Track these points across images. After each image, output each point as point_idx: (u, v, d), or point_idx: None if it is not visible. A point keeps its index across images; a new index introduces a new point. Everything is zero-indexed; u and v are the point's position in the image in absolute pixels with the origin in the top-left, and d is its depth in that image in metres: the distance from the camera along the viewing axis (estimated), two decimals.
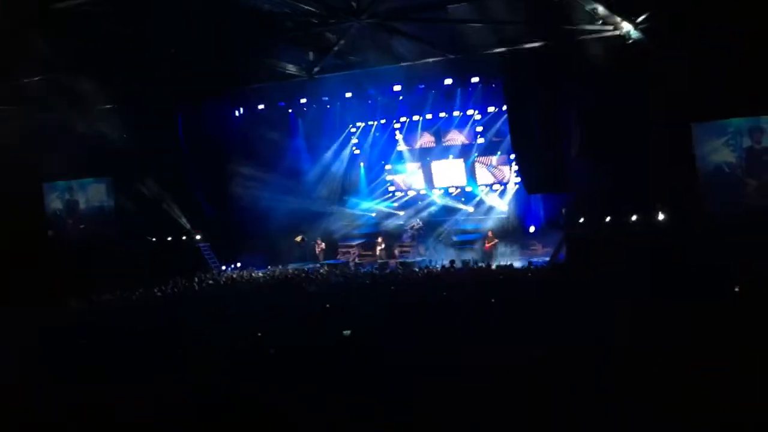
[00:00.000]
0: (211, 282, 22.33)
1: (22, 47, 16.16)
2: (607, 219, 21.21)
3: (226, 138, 26.64)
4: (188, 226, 27.09)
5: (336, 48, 18.31)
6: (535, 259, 22.46)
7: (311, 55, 19.92)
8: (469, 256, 24.44)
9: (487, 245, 24.64)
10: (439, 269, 21.55)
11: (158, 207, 26.39)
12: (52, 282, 21.40)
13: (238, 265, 26.90)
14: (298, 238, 27.95)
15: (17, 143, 22.91)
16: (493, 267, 20.80)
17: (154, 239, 27.20)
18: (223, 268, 26.54)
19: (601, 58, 18.24)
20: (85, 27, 15.39)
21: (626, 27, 16.01)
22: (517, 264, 21.57)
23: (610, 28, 16.15)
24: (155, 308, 17.76)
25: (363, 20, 15.50)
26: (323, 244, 27.86)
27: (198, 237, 27.25)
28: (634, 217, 20.79)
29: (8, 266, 22.24)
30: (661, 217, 20.39)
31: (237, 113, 27.32)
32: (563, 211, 23.01)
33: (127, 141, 24.47)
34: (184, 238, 27.33)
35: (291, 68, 20.17)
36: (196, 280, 22.73)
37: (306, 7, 15.21)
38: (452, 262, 22.07)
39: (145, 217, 26.61)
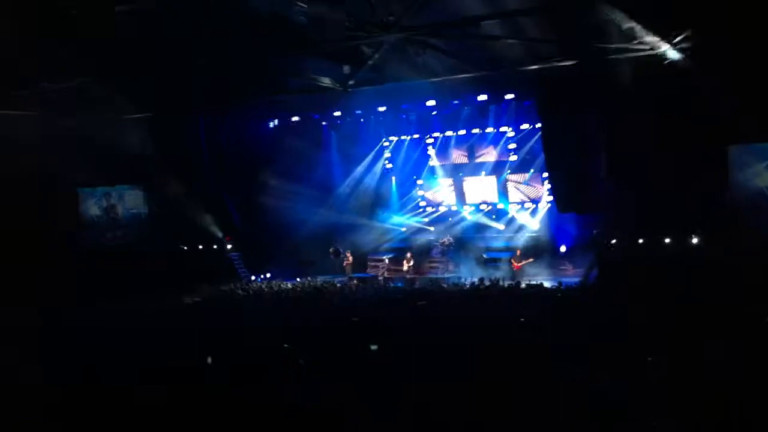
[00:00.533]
0: (240, 292, 22.42)
1: (54, 51, 16.37)
2: (640, 240, 21.00)
3: (260, 148, 26.81)
4: (219, 235, 27.30)
5: (371, 62, 18.31)
6: (565, 279, 22.22)
7: (346, 69, 19.92)
8: (499, 273, 24.24)
9: (515, 264, 24.45)
10: (468, 286, 21.46)
11: (191, 215, 26.59)
12: (87, 285, 21.69)
13: (268, 275, 27.00)
14: (332, 250, 27.92)
15: (52, 148, 23.26)
16: (523, 285, 20.61)
17: (185, 247, 27.43)
18: (252, 278, 26.65)
19: (637, 78, 18.09)
20: (120, 34, 15.54)
21: (663, 47, 15.80)
22: (547, 284, 21.36)
23: (647, 47, 15.95)
24: (184, 315, 17.91)
25: (398, 35, 15.48)
26: (351, 257, 27.84)
27: (229, 246, 27.45)
28: (667, 240, 20.55)
29: (43, 269, 22.55)
30: (695, 240, 20.14)
31: (271, 124, 27.51)
32: (595, 231, 22.81)
33: (162, 148, 24.73)
34: (215, 247, 27.54)
35: (325, 81, 20.22)
36: (225, 289, 22.88)
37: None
38: (481, 279, 21.92)
39: (178, 224, 26.86)
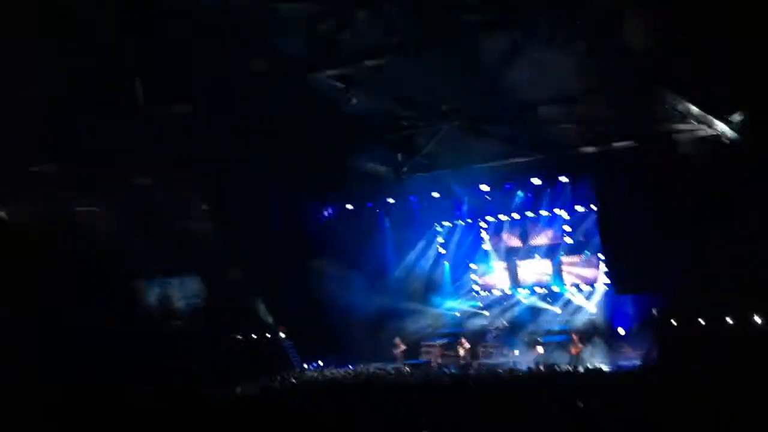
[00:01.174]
0: (293, 381, 22.35)
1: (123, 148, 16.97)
2: (701, 321, 20.59)
3: (315, 236, 27.08)
4: (272, 322, 27.36)
5: (425, 150, 18.58)
6: (624, 362, 21.73)
7: (400, 156, 20.25)
8: (556, 358, 23.78)
9: (573, 350, 23.97)
10: (523, 372, 21.10)
11: (245, 304, 26.78)
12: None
13: (320, 363, 26.86)
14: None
15: (113, 241, 23.79)
16: (581, 370, 20.18)
17: (240, 336, 27.51)
18: (305, 366, 26.53)
19: (694, 157, 18.07)
20: (183, 129, 16.06)
21: (721, 126, 15.81)
22: (605, 367, 20.90)
23: (704, 126, 15.98)
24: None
25: (453, 123, 15.74)
26: (402, 344, 27.52)
27: (282, 335, 27.46)
28: (729, 320, 20.12)
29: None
30: (758, 320, 19.68)
31: (326, 213, 27.88)
32: (654, 311, 22.43)
33: (218, 237, 25.12)
34: (268, 335, 27.56)
35: (380, 169, 20.55)
36: (278, 379, 22.80)
37: (400, 111, 15.58)
38: (538, 365, 21.58)
39: (233, 313, 27.02)
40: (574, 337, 24.37)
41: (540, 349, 25.49)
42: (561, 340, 25.27)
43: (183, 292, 28.32)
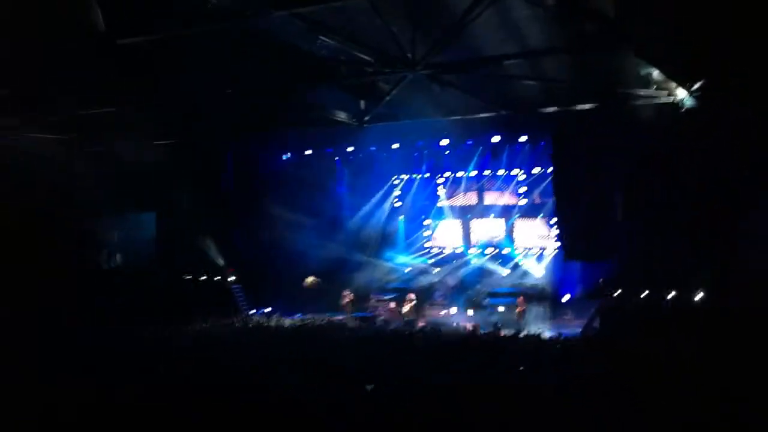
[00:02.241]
0: (237, 325, 22.26)
1: (79, 78, 16.52)
2: (644, 294, 20.85)
3: (271, 180, 26.86)
4: (223, 266, 27.19)
5: (388, 97, 18.37)
6: (566, 330, 22.01)
7: (362, 104, 20.00)
8: (499, 319, 23.97)
9: (519, 309, 24.20)
10: (465, 332, 21.32)
11: (197, 244, 26.56)
12: (88, 308, 21.61)
13: (269, 309, 26.80)
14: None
15: (68, 173, 23.42)
16: (521, 335, 20.39)
17: (189, 276, 27.32)
18: (253, 311, 26.45)
19: (653, 124, 18.16)
20: (144, 63, 15.66)
21: (681, 94, 15.87)
22: (547, 334, 21.16)
23: (665, 93, 16.03)
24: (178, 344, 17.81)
25: (418, 71, 15.54)
26: (352, 295, 27.59)
27: (232, 278, 27.31)
28: (671, 294, 20.40)
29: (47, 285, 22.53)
30: (699, 296, 19.99)
31: (284, 157, 27.60)
32: (601, 281, 22.66)
33: (175, 176, 24.78)
34: (217, 278, 27.40)
35: (341, 115, 20.28)
36: (224, 322, 22.71)
37: (362, 56, 15.33)
38: (476, 326, 21.78)
39: (184, 252, 26.81)
40: (520, 299, 24.60)
41: (485, 310, 25.82)
42: (507, 302, 25.49)
43: (133, 227, 28.09)
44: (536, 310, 24.89)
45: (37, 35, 14.10)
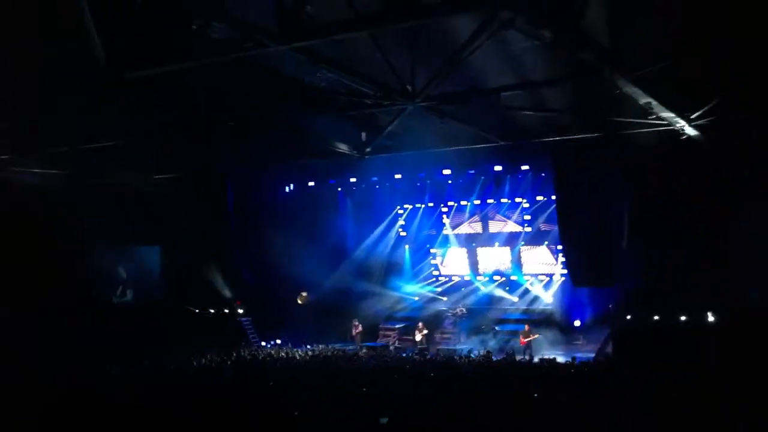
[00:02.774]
0: (248, 357, 22.23)
1: (80, 112, 16.65)
2: (656, 317, 20.80)
3: (275, 212, 26.97)
4: (230, 298, 27.21)
5: (388, 129, 18.46)
6: (579, 355, 21.93)
7: (363, 135, 20.10)
8: (509, 346, 23.94)
9: (522, 340, 24.08)
10: (478, 359, 21.28)
11: (204, 276, 26.60)
12: (95, 343, 21.61)
13: (278, 341, 26.79)
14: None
15: (69, 207, 23.55)
16: (535, 360, 20.34)
17: (197, 310, 27.35)
18: (263, 343, 26.43)
19: (654, 152, 18.21)
20: (146, 96, 15.75)
21: (680, 123, 15.89)
22: (560, 359, 21.12)
23: (664, 122, 16.05)
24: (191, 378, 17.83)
25: (417, 103, 15.61)
26: (360, 325, 27.53)
27: (240, 311, 27.33)
28: (683, 317, 20.34)
29: (52, 325, 22.54)
30: (711, 318, 19.92)
31: (287, 188, 27.73)
32: (611, 306, 22.60)
33: (179, 209, 24.88)
34: (226, 310, 27.42)
35: (342, 147, 20.37)
36: (234, 354, 22.68)
37: (362, 88, 15.40)
38: (488, 352, 21.72)
39: (191, 285, 26.85)
40: (527, 328, 24.50)
41: (495, 337, 25.76)
42: (516, 329, 25.41)
43: (138, 261, 28.15)
44: (548, 335, 24.81)
45: (37, 69, 14.21)
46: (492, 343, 24.98)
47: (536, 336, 24.14)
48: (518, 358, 21.66)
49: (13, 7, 12.06)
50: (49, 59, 13.79)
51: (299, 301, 27.74)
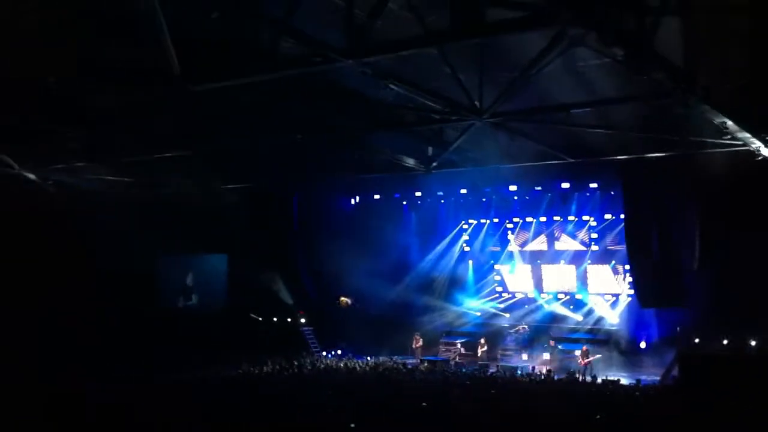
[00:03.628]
0: (309, 367, 22.41)
1: (151, 125, 17.08)
2: (724, 341, 20.27)
3: (339, 224, 27.19)
4: (293, 307, 27.53)
5: (455, 144, 18.45)
6: (644, 377, 21.47)
7: (430, 150, 20.12)
8: (574, 366, 23.58)
9: (582, 360, 23.66)
10: (541, 377, 21.06)
11: (268, 286, 26.99)
12: (162, 352, 22.11)
13: (339, 351, 26.94)
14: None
15: (139, 215, 24.19)
16: (599, 381, 19.99)
17: (260, 318, 27.76)
18: (324, 353, 26.61)
19: (728, 173, 17.78)
20: (213, 110, 16.07)
21: (756, 143, 15.46)
22: (624, 381, 20.71)
23: (739, 143, 15.64)
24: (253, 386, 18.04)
25: (485, 119, 15.55)
26: (421, 339, 27.47)
27: (302, 320, 27.61)
28: (753, 342, 19.77)
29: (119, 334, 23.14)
30: None
31: (353, 201, 27.94)
32: (678, 328, 22.12)
33: (245, 219, 25.31)
34: (289, 320, 27.74)
35: (409, 161, 20.42)
36: (296, 363, 22.92)
37: (429, 103, 15.42)
38: (550, 371, 21.43)
39: (255, 294, 27.27)
40: (584, 349, 24.09)
41: (558, 356, 25.41)
42: (580, 348, 24.98)
43: (204, 270, 28.74)
44: (612, 356, 24.37)
45: (113, 79, 14.60)
46: (554, 362, 24.61)
47: (596, 356, 23.70)
48: (579, 377, 21.32)
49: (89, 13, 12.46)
50: (124, 68, 14.21)
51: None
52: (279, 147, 19.58)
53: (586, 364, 23.32)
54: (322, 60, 12.56)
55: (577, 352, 24.31)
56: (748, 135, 14.99)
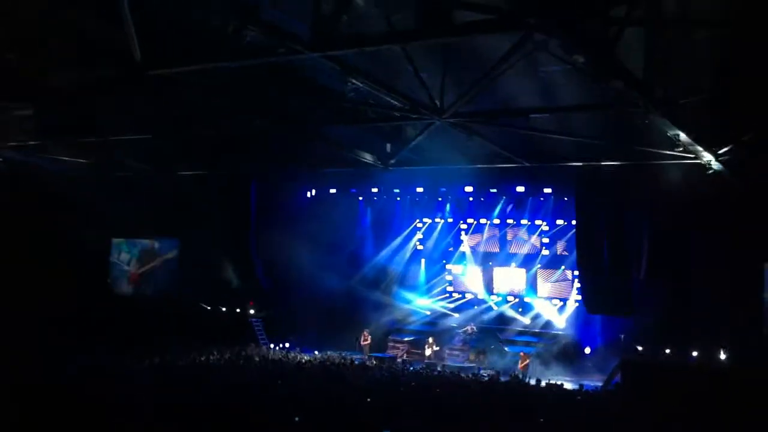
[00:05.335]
0: (256, 359, 22.27)
1: (111, 107, 16.85)
2: (667, 351, 20.66)
3: (295, 216, 27.03)
4: (244, 297, 27.33)
5: (414, 142, 18.53)
6: (587, 382, 21.79)
7: (388, 147, 20.18)
8: (517, 369, 23.82)
9: (520, 365, 23.93)
10: (486, 378, 21.22)
11: (219, 274, 26.78)
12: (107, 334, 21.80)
13: (287, 345, 26.81)
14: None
15: (93, 197, 23.82)
16: (543, 384, 20.25)
17: (209, 307, 27.53)
18: (272, 346, 26.47)
19: (679, 185, 18.16)
20: (174, 94, 15.90)
21: (707, 157, 15.83)
22: (568, 385, 21.00)
23: (691, 155, 15.99)
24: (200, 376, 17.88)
25: (445, 119, 15.65)
26: (370, 336, 27.50)
27: (252, 311, 27.43)
28: (694, 353, 20.18)
29: (68, 312, 22.74)
30: (722, 356, 19.74)
31: (309, 194, 27.84)
32: (622, 336, 22.48)
33: (200, 205, 25.07)
34: (238, 310, 27.53)
35: (367, 156, 20.46)
36: (243, 354, 22.77)
37: (391, 100, 15.46)
38: (497, 373, 21.64)
39: (205, 281, 27.05)
40: (522, 354, 24.37)
41: (504, 358, 25.65)
42: (527, 351, 25.23)
43: (155, 254, 28.44)
44: (557, 361, 24.70)
45: (75, 61, 14.39)
46: (500, 364, 24.84)
47: (528, 360, 23.98)
48: (527, 380, 21.57)
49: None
50: (84, 51, 13.99)
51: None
52: (239, 134, 19.45)
53: (523, 368, 23.58)
54: (285, 51, 12.54)
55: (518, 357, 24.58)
56: (699, 148, 15.34)
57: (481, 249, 28.81)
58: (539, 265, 27.46)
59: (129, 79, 14.14)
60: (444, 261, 29.68)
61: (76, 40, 13.81)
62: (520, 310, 27.84)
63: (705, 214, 18.88)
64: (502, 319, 28.02)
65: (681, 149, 15.54)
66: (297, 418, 12.39)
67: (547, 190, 24.98)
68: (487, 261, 28.68)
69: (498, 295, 28.43)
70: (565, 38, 9.97)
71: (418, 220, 29.56)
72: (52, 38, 13.83)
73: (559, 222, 26.43)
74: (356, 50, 12.59)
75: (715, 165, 16.17)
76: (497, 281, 28.51)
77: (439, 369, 23.87)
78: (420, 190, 26.76)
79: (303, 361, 22.86)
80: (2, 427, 10.25)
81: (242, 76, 15.23)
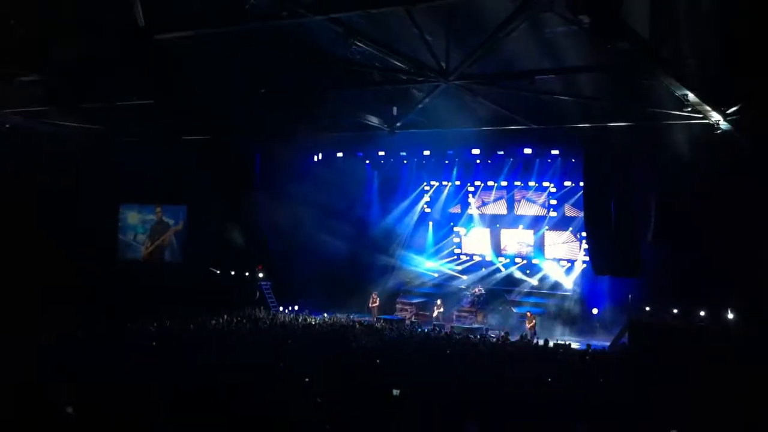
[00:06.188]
0: (266, 323, 22.45)
1: (117, 74, 16.80)
2: (675, 311, 20.71)
3: (302, 180, 27.02)
4: (251, 262, 27.49)
5: (420, 105, 18.46)
6: (594, 342, 21.91)
7: (395, 110, 20.10)
8: (525, 330, 23.97)
9: (528, 325, 24.06)
10: (494, 338, 21.34)
11: (228, 239, 26.90)
12: (117, 301, 21.98)
13: (296, 307, 27.01)
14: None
15: (99, 164, 23.86)
16: (551, 345, 20.37)
17: (218, 271, 27.71)
18: (281, 308, 26.67)
19: (687, 145, 18.06)
20: (180, 60, 15.85)
21: (715, 116, 15.72)
22: (575, 345, 21.11)
23: (699, 116, 15.87)
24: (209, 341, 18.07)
25: (451, 81, 15.57)
26: (378, 298, 27.70)
27: (260, 275, 27.60)
28: (702, 313, 20.22)
29: (78, 280, 22.91)
30: (730, 316, 19.78)
31: (315, 158, 27.80)
32: (630, 296, 22.53)
33: (207, 172, 25.09)
34: (247, 274, 27.71)
35: (373, 120, 20.41)
36: (252, 317, 22.95)
37: (396, 63, 15.38)
38: (506, 334, 21.76)
39: (214, 246, 27.20)
40: (529, 314, 24.47)
41: (512, 319, 25.80)
42: (535, 311, 25.35)
43: (164, 220, 28.56)
44: (565, 321, 24.84)
45: (78, 27, 14.35)
46: (508, 325, 24.98)
47: (536, 320, 24.11)
48: (535, 341, 21.70)
49: None
50: (91, 19, 13.95)
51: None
52: (244, 100, 19.38)
53: (531, 328, 23.71)
54: (289, 15, 12.48)
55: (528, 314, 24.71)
56: (708, 108, 15.22)
57: (489, 211, 28.79)
58: (547, 227, 27.46)
59: (133, 45, 14.15)
60: (451, 223, 29.70)
61: (80, 7, 13.79)
62: (527, 271, 27.90)
63: (713, 174, 18.76)
64: (510, 281, 28.11)
65: (689, 110, 15.42)
66: (307, 379, 12.53)
67: (555, 152, 24.89)
68: (494, 223, 28.69)
69: (506, 256, 28.50)
70: None
71: (425, 183, 29.55)
72: (56, 6, 13.80)
73: (567, 183, 26.33)
74: (360, 12, 12.56)
75: (724, 125, 16.05)
76: (505, 243, 28.56)
77: (447, 330, 24.01)
78: (427, 153, 26.70)
79: (313, 323, 23.03)
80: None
81: (244, 42, 15.19)
